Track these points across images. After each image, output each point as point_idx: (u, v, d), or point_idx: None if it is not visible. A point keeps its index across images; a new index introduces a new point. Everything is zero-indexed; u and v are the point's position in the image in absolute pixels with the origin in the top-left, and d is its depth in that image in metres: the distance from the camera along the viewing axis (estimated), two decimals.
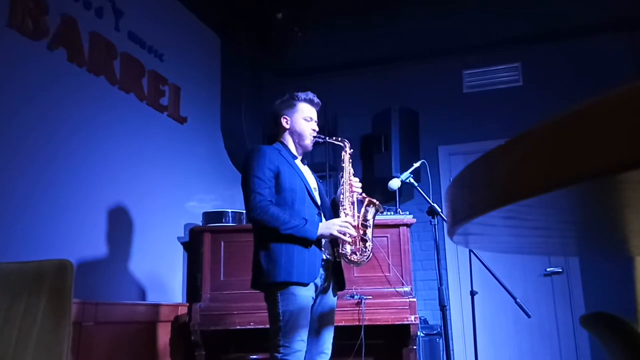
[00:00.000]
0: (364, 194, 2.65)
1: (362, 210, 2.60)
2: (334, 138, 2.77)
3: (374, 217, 2.61)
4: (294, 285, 2.39)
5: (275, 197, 2.49)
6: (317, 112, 2.76)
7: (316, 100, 2.74)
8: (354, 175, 2.71)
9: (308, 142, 2.69)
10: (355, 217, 2.58)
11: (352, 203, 2.62)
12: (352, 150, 2.77)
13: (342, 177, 2.70)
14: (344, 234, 2.47)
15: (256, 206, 2.43)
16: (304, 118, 2.68)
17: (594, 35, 4.66)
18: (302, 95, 2.71)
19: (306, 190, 2.55)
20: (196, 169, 4.31)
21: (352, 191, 2.63)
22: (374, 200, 2.61)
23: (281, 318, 2.37)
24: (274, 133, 2.77)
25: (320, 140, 2.73)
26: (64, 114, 3.01)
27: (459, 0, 4.86)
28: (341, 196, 2.64)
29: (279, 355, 2.35)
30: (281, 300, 2.39)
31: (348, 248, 2.51)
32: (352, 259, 2.51)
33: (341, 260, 2.66)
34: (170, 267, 3.93)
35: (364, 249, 2.53)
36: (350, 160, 2.75)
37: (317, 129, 2.72)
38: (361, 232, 2.55)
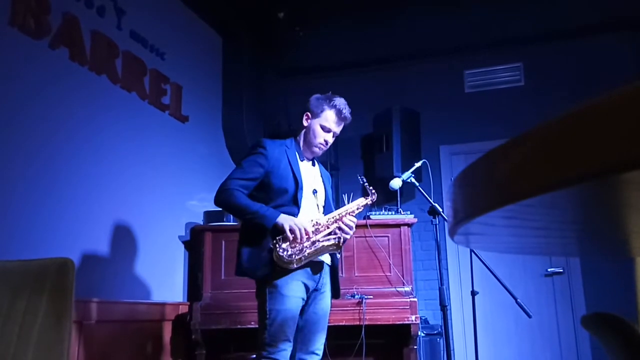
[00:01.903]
0: (341, 240, 2.51)
1: (325, 233, 2.50)
2: (370, 187, 2.72)
3: (324, 248, 2.47)
4: (282, 284, 2.39)
5: (254, 192, 2.49)
6: (343, 125, 2.65)
7: (345, 114, 2.60)
8: (354, 215, 2.60)
9: (315, 149, 2.63)
10: (316, 235, 2.47)
11: (327, 228, 2.51)
12: (372, 202, 2.71)
13: (343, 205, 2.62)
14: (292, 233, 2.36)
15: (223, 189, 2.45)
16: (322, 125, 2.60)
17: (596, 35, 4.65)
18: (336, 101, 2.60)
19: (295, 193, 2.50)
20: (197, 167, 4.32)
21: (335, 221, 2.53)
22: (340, 243, 2.49)
23: (268, 316, 2.38)
24: (298, 127, 2.72)
25: (360, 181, 2.74)
26: (65, 113, 3.01)
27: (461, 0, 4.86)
28: (327, 214, 2.59)
29: (264, 353, 2.37)
30: (269, 298, 2.39)
31: (284, 245, 2.38)
32: (281, 254, 2.36)
33: (338, 268, 2.67)
34: (171, 266, 3.93)
35: (292, 256, 2.38)
36: (362, 209, 2.66)
37: (330, 141, 2.64)
38: (307, 244, 2.42)
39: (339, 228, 2.54)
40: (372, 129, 4.95)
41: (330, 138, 2.63)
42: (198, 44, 4.54)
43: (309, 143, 2.63)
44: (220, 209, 4.06)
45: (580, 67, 4.64)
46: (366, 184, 2.73)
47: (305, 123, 2.64)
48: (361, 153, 5.14)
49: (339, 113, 2.60)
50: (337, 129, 2.64)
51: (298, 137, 2.68)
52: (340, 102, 2.61)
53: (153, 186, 3.71)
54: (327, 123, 2.60)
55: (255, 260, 2.41)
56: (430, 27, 4.97)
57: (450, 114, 4.94)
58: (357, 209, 2.64)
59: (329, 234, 2.53)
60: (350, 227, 2.56)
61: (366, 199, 2.69)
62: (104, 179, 3.24)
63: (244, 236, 2.50)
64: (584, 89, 4.40)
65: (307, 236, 2.41)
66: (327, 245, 2.48)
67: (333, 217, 2.55)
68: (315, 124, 2.61)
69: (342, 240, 2.52)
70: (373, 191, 2.72)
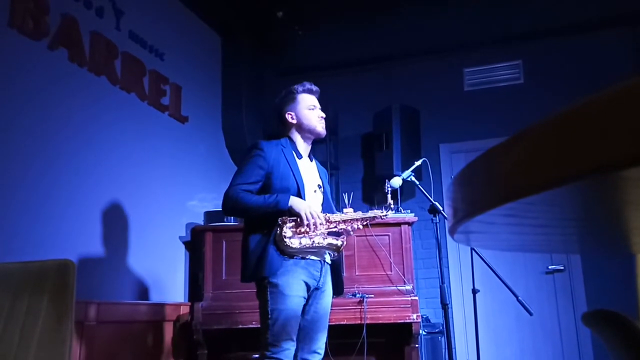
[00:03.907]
0: (344, 240, 2.56)
1: (330, 237, 2.52)
2: (390, 201, 2.60)
3: (326, 247, 2.49)
4: (283, 284, 2.39)
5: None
6: (317, 98, 2.72)
7: (314, 88, 2.71)
8: (359, 226, 2.59)
9: (320, 128, 2.65)
10: (323, 229, 2.49)
11: (335, 227, 2.52)
12: (383, 218, 2.65)
13: (360, 213, 2.58)
14: (307, 220, 2.39)
15: (229, 196, 2.44)
16: (307, 108, 2.65)
17: (596, 32, 4.64)
18: (299, 87, 2.69)
19: (298, 193, 2.50)
20: (197, 168, 4.32)
21: (345, 222, 2.54)
22: (342, 246, 2.52)
23: (270, 316, 2.38)
24: (281, 130, 2.73)
25: (387, 189, 2.64)
26: (65, 114, 3.01)
27: None
28: (326, 209, 2.60)
29: (267, 353, 2.37)
30: (271, 298, 2.39)
31: (290, 227, 2.41)
32: (285, 238, 2.38)
33: (339, 265, 2.68)
34: (172, 266, 3.94)
35: (298, 243, 2.41)
36: (375, 220, 2.64)
37: (323, 115, 2.68)
38: (312, 234, 2.44)
39: (345, 230, 2.55)
40: (372, 128, 4.95)
41: (320, 112, 2.68)
42: (197, 44, 4.54)
43: (309, 130, 2.65)
44: (221, 209, 4.08)
45: (580, 64, 4.63)
46: (389, 194, 2.64)
47: (293, 120, 2.66)
48: (361, 152, 5.14)
49: (309, 90, 2.69)
50: (318, 104, 2.71)
51: (291, 136, 2.68)
52: (301, 85, 2.69)
53: (153, 187, 3.71)
54: (308, 103, 2.66)
55: (262, 260, 2.40)
56: (429, 26, 4.97)
57: (450, 112, 4.93)
58: (369, 219, 2.60)
59: (335, 233, 2.54)
60: (354, 231, 2.58)
61: (382, 211, 2.61)
62: (104, 180, 3.24)
63: (248, 240, 2.48)
64: (583, 86, 4.39)
65: (315, 229, 2.43)
66: (329, 244, 2.49)
67: (345, 219, 2.55)
68: (301, 112, 2.65)
69: (344, 244, 2.53)
70: (391, 206, 2.62)
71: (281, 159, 2.54)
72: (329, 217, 2.52)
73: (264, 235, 2.44)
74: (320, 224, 2.44)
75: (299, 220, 2.41)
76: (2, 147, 2.62)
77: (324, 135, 2.70)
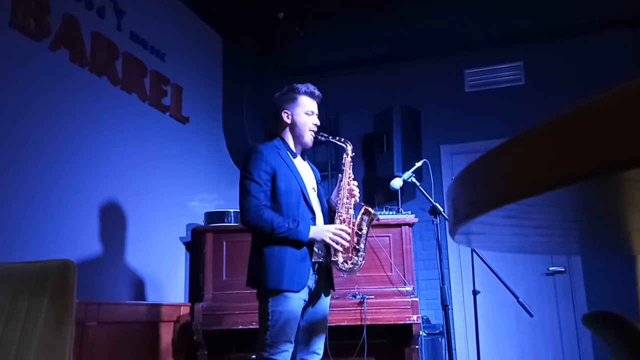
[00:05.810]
0: (362, 203, 2.63)
1: (358, 218, 2.58)
2: (337, 138, 2.71)
3: (368, 227, 2.58)
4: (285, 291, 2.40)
5: (270, 201, 2.48)
6: (318, 105, 2.70)
7: (317, 92, 2.67)
8: (354, 179, 2.68)
9: (308, 139, 2.63)
10: (351, 225, 2.56)
11: (348, 210, 2.59)
12: (354, 153, 2.72)
13: (341, 180, 2.66)
14: (336, 243, 2.45)
15: (250, 210, 2.42)
16: (305, 112, 2.62)
17: (597, 33, 4.65)
18: (302, 87, 2.65)
19: (302, 193, 2.51)
20: (198, 168, 4.31)
21: (351, 196, 2.61)
22: (370, 210, 2.58)
23: (270, 318, 2.37)
24: (273, 128, 2.72)
25: (322, 139, 2.66)
26: (66, 114, 3.01)
27: None
28: (338, 201, 2.61)
29: (265, 354, 2.36)
30: (272, 300, 2.39)
31: (340, 257, 2.48)
32: (343, 267, 2.49)
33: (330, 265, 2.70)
34: (172, 267, 3.93)
35: (356, 258, 2.52)
36: (351, 164, 2.71)
37: (318, 123, 2.65)
38: (355, 240, 2.53)
39: (352, 195, 2.62)
40: (373, 129, 4.95)
41: (316, 119, 2.66)
42: (198, 44, 4.54)
43: (300, 135, 2.63)
44: (222, 210, 4.08)
45: (581, 66, 4.63)
46: (330, 138, 2.70)
47: (288, 120, 2.64)
48: (362, 153, 5.13)
49: (311, 94, 2.66)
50: (317, 109, 2.69)
51: (283, 136, 2.67)
52: (305, 85, 2.66)
53: (154, 187, 3.71)
54: (307, 108, 2.64)
55: (290, 274, 2.39)
56: (430, 26, 4.97)
57: (451, 114, 4.93)
58: (350, 168, 2.69)
59: (355, 213, 2.61)
60: (358, 188, 2.68)
61: (346, 153, 2.70)
62: (104, 181, 3.24)
63: (264, 251, 2.44)
64: (584, 87, 4.39)
65: (349, 235, 2.49)
66: (366, 225, 2.57)
67: (346, 198, 2.60)
68: (298, 114, 2.63)
69: (366, 206, 2.61)
70: (341, 139, 2.71)
71: (280, 160, 2.54)
72: (342, 218, 2.56)
73: (286, 249, 2.42)
74: (348, 233, 2.50)
75: (333, 247, 2.47)
76: (3, 147, 2.62)
77: (309, 147, 2.68)
